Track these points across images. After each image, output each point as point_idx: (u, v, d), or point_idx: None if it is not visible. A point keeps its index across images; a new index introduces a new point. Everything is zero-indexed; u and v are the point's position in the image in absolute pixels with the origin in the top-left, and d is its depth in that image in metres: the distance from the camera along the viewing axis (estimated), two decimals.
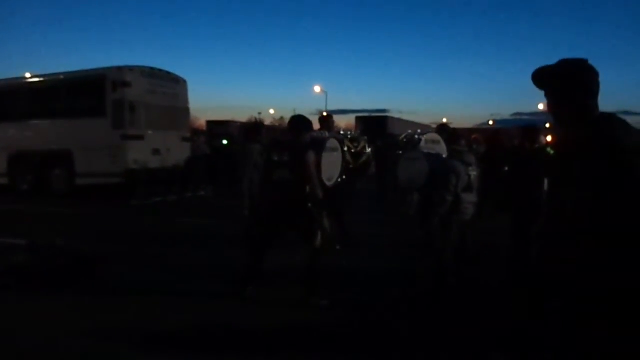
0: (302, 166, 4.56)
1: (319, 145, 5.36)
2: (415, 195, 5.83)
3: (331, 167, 5.74)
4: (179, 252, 6.82)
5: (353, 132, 9.28)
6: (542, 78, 2.06)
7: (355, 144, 7.25)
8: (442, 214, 4.83)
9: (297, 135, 4.79)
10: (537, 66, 2.09)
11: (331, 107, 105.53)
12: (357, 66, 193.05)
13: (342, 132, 7.78)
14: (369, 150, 7.46)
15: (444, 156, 5.54)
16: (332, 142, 5.88)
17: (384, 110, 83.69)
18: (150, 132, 12.88)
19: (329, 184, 5.70)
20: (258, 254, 4.83)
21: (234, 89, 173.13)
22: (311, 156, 4.63)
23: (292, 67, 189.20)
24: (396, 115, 38.52)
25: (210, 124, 27.69)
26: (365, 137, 7.85)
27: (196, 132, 20.46)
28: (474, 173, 4.93)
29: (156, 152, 13.03)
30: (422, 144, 6.37)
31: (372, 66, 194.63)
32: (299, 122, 4.94)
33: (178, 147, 13.79)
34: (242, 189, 6.42)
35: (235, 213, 6.70)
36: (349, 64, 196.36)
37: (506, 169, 6.04)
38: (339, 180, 6.01)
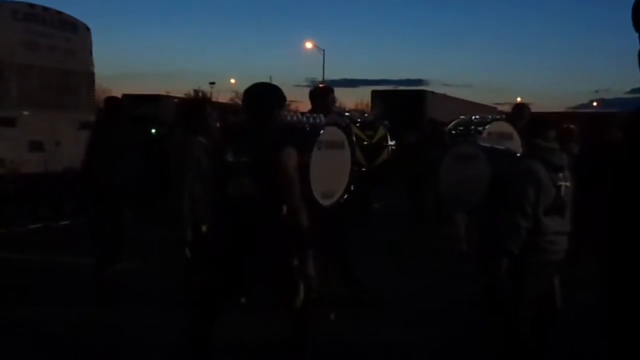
0: (275, 172, 4.54)
1: (306, 137, 5.34)
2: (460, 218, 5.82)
3: (331, 176, 5.72)
4: (69, 313, 6.79)
5: (367, 115, 9.30)
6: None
7: (370, 132, 7.25)
8: (513, 251, 4.82)
9: (261, 118, 4.76)
10: None
11: (331, 76, 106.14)
12: (372, 14, 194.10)
13: (347, 114, 7.79)
14: (391, 142, 7.47)
15: (517, 155, 5.55)
16: (332, 133, 5.86)
17: (419, 82, 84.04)
18: (26, 112, 12.88)
19: (325, 203, 5.66)
20: (206, 318, 4.80)
21: (172, 44, 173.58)
22: (291, 155, 4.61)
23: (268, 11, 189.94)
24: (439, 90, 38.74)
25: (130, 100, 27.65)
26: (386, 122, 7.85)
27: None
28: (566, 184, 4.94)
29: (37, 146, 12.99)
30: (483, 137, 6.40)
31: (397, 14, 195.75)
32: (262, 94, 4.88)
33: (74, 138, 13.71)
34: (179, 211, 6.39)
35: (169, 249, 6.67)
36: (359, 11, 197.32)
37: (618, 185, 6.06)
38: (345, 197, 5.97)
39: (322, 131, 5.74)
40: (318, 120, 6.09)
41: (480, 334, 5.88)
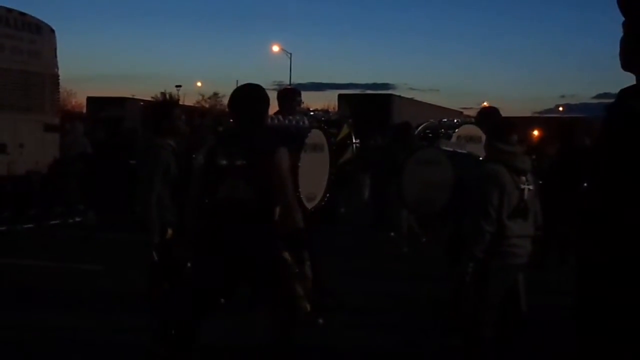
0: (269, 173, 4.50)
1: (295, 140, 5.29)
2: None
3: (313, 178, 5.70)
4: (32, 316, 6.72)
5: (331, 114, 9.33)
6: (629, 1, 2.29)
7: (333, 131, 7.26)
8: (477, 256, 4.86)
9: (251, 120, 4.72)
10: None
11: (298, 80, 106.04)
12: (339, 18, 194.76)
13: (312, 113, 7.79)
14: (356, 141, 7.48)
15: (481, 159, 5.59)
16: (315, 136, 5.83)
17: (386, 86, 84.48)
18: None
19: (309, 205, 5.64)
20: (183, 331, 4.71)
21: (138, 47, 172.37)
22: (284, 155, 4.58)
23: (235, 14, 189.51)
24: (406, 95, 38.89)
25: (95, 102, 27.51)
26: (350, 120, 7.86)
27: (70, 116, 20.22)
28: (529, 187, 4.99)
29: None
30: (452, 141, 6.42)
31: (364, 18, 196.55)
32: (251, 95, 4.84)
33: (38, 141, 13.62)
34: (146, 215, 6.34)
35: (135, 252, 6.62)
36: (326, 14, 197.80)
37: (585, 185, 6.13)
38: (326, 200, 5.95)
39: (309, 134, 5.72)
40: (301, 123, 6.07)
41: (444, 338, 5.93)
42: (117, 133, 18.66)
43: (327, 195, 5.93)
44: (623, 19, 2.42)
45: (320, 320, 6.44)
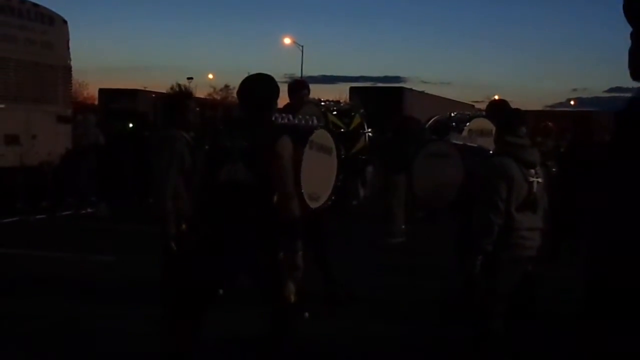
0: (270, 159, 4.51)
1: (300, 135, 5.29)
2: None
3: (317, 179, 5.67)
4: (46, 307, 6.77)
5: (342, 104, 9.30)
6: (635, 7, 2.27)
7: (346, 120, 7.24)
8: (485, 248, 4.88)
9: (258, 109, 4.75)
10: None
11: (310, 72, 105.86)
12: (351, 11, 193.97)
13: (322, 103, 7.77)
14: (368, 130, 7.47)
15: (490, 152, 5.60)
16: (323, 136, 5.81)
17: (397, 79, 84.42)
18: (2, 105, 12.80)
19: (312, 205, 5.64)
20: (189, 318, 4.76)
21: (149, 39, 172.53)
22: (287, 143, 4.59)
23: (247, 6, 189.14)
24: (418, 88, 38.71)
25: (106, 94, 27.51)
26: (362, 110, 7.84)
27: (82, 108, 20.28)
28: (537, 180, 5.00)
29: (12, 140, 12.92)
30: (464, 135, 6.41)
31: (376, 11, 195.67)
32: (260, 85, 4.85)
33: (51, 132, 13.69)
34: (161, 206, 6.36)
35: (149, 245, 6.66)
36: (338, 7, 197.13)
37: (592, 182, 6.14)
38: (329, 203, 5.95)
39: (315, 131, 5.74)
40: (311, 123, 6.09)
41: (452, 330, 5.94)
42: (135, 125, 18.62)
43: (332, 198, 5.92)
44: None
45: (306, 314, 6.47)
